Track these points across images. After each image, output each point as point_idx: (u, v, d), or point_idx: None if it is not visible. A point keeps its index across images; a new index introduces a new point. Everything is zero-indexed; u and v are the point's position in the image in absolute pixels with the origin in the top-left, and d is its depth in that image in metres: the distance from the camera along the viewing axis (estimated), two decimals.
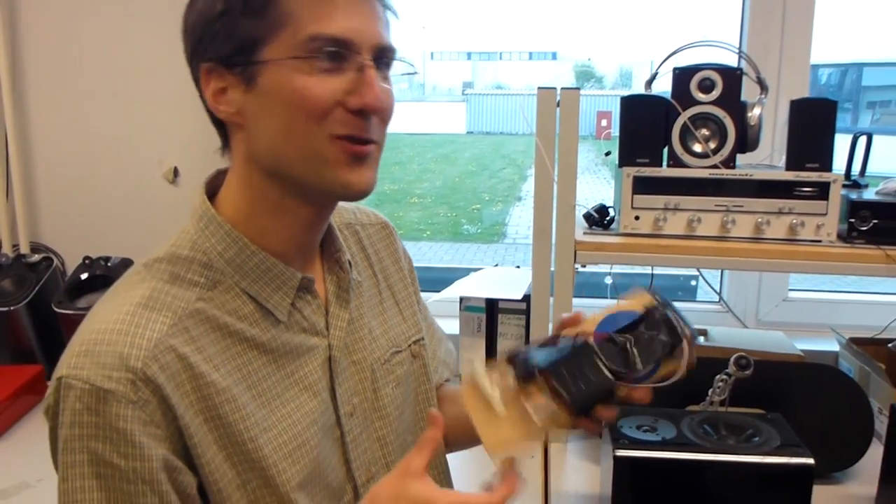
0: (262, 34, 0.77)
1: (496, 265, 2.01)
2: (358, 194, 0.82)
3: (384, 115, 0.82)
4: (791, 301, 1.98)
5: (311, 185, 0.81)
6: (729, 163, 1.43)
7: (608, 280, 1.93)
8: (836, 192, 1.38)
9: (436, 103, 8.83)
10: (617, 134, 1.48)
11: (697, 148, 1.43)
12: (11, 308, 1.76)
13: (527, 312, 1.66)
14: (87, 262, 1.85)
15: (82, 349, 0.76)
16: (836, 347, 1.74)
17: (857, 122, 3.76)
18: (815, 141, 1.40)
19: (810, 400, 1.38)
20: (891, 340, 1.68)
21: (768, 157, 1.71)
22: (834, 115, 1.40)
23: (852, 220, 1.39)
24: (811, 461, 1.13)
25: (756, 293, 1.97)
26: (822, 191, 1.38)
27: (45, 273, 1.85)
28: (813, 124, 1.40)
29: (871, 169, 1.55)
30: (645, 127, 1.44)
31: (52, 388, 0.77)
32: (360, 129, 0.79)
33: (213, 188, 0.88)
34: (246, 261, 0.84)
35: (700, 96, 1.42)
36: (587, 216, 1.52)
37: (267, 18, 0.76)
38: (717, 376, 1.24)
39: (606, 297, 1.93)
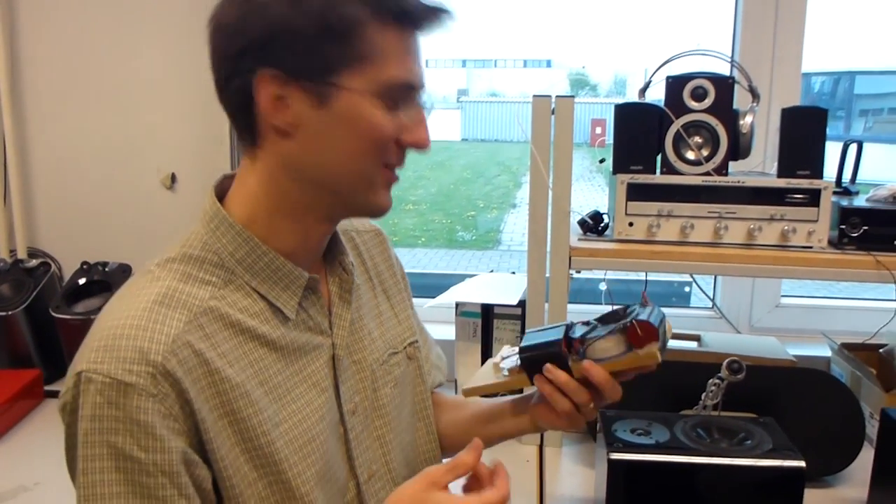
0: (344, 61, 0.80)
1: (491, 271, 2.02)
2: (383, 214, 0.91)
3: (426, 151, 0.89)
4: (784, 307, 2.00)
5: (349, 201, 0.88)
6: (721, 170, 1.44)
7: (603, 286, 1.94)
8: (827, 199, 1.39)
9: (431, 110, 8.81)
10: (611, 141, 1.50)
11: (690, 155, 1.45)
12: (9, 313, 1.77)
13: (522, 318, 1.68)
14: (84, 267, 1.86)
15: (101, 344, 0.77)
16: (828, 353, 1.76)
17: (850, 130, 3.79)
18: (807, 148, 1.42)
19: (802, 404, 1.39)
20: (882, 346, 1.69)
21: (760, 165, 1.73)
22: (824, 123, 1.41)
23: (843, 227, 1.41)
24: (803, 465, 1.14)
25: (749, 299, 1.99)
26: (813, 198, 1.40)
27: (42, 278, 1.86)
28: (804, 132, 1.42)
29: (863, 176, 1.56)
30: (639, 134, 1.46)
31: (69, 383, 0.78)
32: (401, 161, 0.88)
33: (220, 192, 0.90)
34: (257, 260, 0.86)
35: (693, 104, 1.44)
36: (582, 223, 1.53)
37: (351, 47, 0.80)
38: (710, 380, 1.25)
39: (601, 304, 1.94)
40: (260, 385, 0.84)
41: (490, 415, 1.07)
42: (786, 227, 1.40)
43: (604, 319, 0.96)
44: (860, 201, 1.46)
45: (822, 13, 1.87)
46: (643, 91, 1.51)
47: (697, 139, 1.45)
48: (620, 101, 1.51)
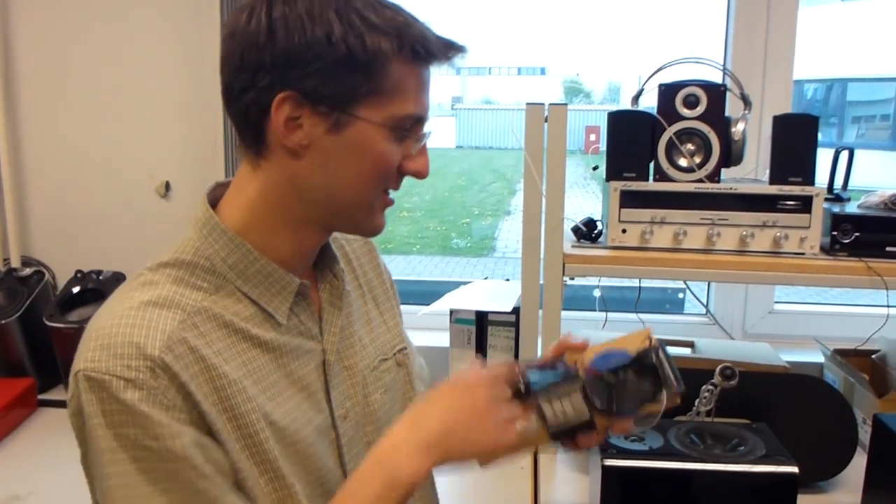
0: (365, 93, 0.81)
1: (486, 278, 2.02)
2: (376, 234, 0.95)
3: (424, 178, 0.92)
4: (777, 313, 2.00)
5: (347, 221, 0.91)
6: (714, 177, 1.45)
7: (597, 293, 1.95)
8: (819, 206, 1.40)
9: None
10: (605, 148, 1.50)
11: (683, 162, 1.46)
12: (3, 322, 1.76)
13: (516, 325, 1.68)
14: (78, 275, 1.86)
15: (97, 343, 0.77)
16: (820, 359, 1.77)
17: (843, 137, 3.81)
18: (798, 155, 1.43)
19: (795, 410, 1.39)
20: (874, 352, 1.70)
21: (752, 172, 1.74)
22: (816, 130, 1.42)
23: (835, 233, 1.42)
24: (796, 470, 1.15)
25: (742, 305, 1.99)
26: (804, 204, 1.40)
27: (36, 287, 1.85)
28: (795, 139, 1.43)
29: (855, 183, 1.58)
30: (631, 142, 1.47)
31: (71, 386, 0.78)
32: (399, 186, 0.91)
33: (213, 199, 0.91)
34: (248, 266, 0.87)
35: (685, 112, 1.45)
36: (575, 229, 1.54)
37: (374, 81, 0.81)
38: (704, 387, 1.26)
39: (595, 310, 1.95)
40: (254, 384, 0.84)
41: None
42: (778, 234, 1.41)
43: (622, 377, 0.90)
44: (852, 208, 1.47)
45: (815, 21, 1.88)
46: (636, 99, 1.51)
47: (690, 146, 1.46)
48: (614, 108, 1.52)
